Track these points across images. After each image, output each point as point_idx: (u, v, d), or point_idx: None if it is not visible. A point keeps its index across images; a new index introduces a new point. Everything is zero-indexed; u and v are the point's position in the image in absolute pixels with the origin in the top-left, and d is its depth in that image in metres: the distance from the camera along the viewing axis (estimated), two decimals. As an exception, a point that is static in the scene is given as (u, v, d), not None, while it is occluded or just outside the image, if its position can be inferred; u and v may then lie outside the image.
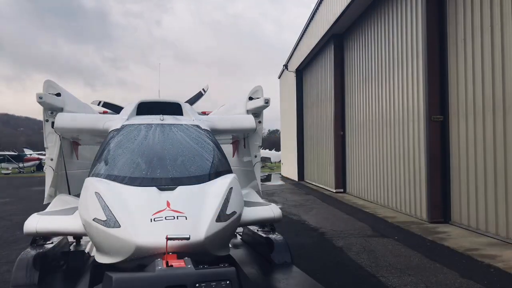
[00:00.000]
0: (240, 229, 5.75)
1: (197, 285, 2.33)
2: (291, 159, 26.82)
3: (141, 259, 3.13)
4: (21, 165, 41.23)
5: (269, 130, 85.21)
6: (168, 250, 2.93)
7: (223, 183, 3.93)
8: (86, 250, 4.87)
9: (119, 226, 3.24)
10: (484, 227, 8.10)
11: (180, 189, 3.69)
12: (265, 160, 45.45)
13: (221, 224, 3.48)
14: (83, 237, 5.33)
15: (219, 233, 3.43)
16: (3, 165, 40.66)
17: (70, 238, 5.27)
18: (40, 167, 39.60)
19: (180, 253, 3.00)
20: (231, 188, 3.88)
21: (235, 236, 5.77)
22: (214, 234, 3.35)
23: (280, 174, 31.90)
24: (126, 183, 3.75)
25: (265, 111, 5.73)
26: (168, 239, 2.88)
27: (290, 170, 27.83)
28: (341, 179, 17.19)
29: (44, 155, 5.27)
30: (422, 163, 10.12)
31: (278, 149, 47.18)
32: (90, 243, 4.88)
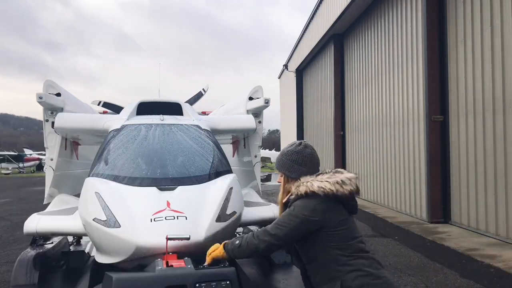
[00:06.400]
0: (240, 229, 5.75)
1: (197, 285, 2.33)
2: (291, 159, 26.79)
3: (141, 259, 3.13)
4: (21, 165, 41.22)
5: (269, 130, 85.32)
6: (168, 250, 2.93)
7: (223, 183, 3.93)
8: (86, 250, 4.86)
9: (119, 226, 3.24)
10: (484, 227, 8.10)
11: (180, 189, 3.69)
12: (265, 160, 45.43)
13: (221, 224, 3.48)
14: (83, 237, 5.33)
15: (219, 233, 3.43)
16: (3, 165, 40.64)
17: (70, 238, 5.27)
18: (40, 167, 39.62)
19: (180, 253, 3.00)
20: (231, 188, 3.88)
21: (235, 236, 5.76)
22: (214, 234, 3.35)
23: (280, 174, 31.85)
24: (126, 183, 3.74)
25: (265, 111, 5.74)
26: (168, 239, 2.88)
27: (290, 170, 27.80)
28: (341, 179, 17.17)
29: (44, 155, 5.27)
30: (422, 163, 10.11)
31: (278, 149, 47.24)
32: (90, 243, 4.87)
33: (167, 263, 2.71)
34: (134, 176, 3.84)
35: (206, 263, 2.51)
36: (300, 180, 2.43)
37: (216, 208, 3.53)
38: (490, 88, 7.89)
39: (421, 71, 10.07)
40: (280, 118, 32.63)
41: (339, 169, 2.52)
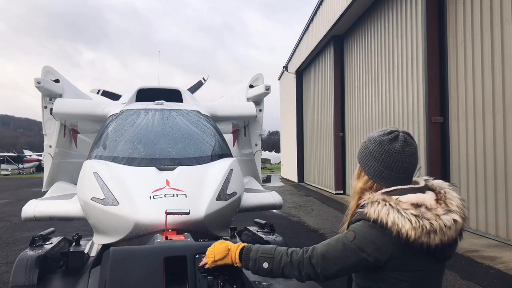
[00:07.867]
0: (240, 229, 5.74)
1: (196, 256, 2.24)
2: (291, 160, 26.81)
3: (140, 237, 3.09)
4: (20, 166, 41.20)
5: (269, 132, 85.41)
6: (168, 227, 2.88)
7: (223, 164, 3.91)
8: (86, 251, 4.85)
9: (118, 204, 3.19)
10: (484, 228, 8.09)
11: (180, 169, 3.67)
12: (265, 161, 45.49)
13: (222, 203, 3.46)
14: (83, 238, 5.32)
15: (219, 212, 3.40)
16: (3, 166, 40.66)
17: (70, 238, 5.25)
18: (39, 168, 39.62)
19: (179, 229, 2.97)
20: (232, 169, 3.86)
21: (235, 237, 5.75)
22: (214, 212, 3.32)
23: (280, 175, 31.89)
24: (125, 164, 3.72)
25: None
26: (167, 213, 2.83)
27: (289, 171, 27.82)
28: (341, 181, 17.18)
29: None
30: (422, 164, 10.11)
31: (278, 150, 47.23)
32: (90, 243, 4.86)
33: (166, 237, 2.67)
34: (133, 157, 3.82)
35: (207, 266, 2.05)
36: (373, 189, 1.65)
37: (217, 187, 3.50)
38: (490, 89, 7.89)
39: (421, 72, 10.07)
40: (280, 119, 32.62)
41: (446, 190, 1.77)
